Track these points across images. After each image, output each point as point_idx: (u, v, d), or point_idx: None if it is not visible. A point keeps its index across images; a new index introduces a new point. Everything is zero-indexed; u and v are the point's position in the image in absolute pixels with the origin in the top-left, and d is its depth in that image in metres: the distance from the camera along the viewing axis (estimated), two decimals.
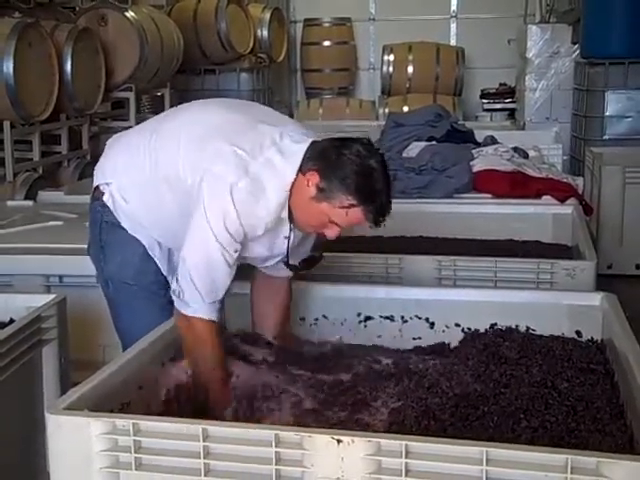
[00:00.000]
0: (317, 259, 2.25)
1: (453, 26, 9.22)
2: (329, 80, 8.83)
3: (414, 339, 2.37)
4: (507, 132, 6.17)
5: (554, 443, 1.66)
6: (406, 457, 1.42)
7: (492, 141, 4.46)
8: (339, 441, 1.44)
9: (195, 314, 1.98)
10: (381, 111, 8.13)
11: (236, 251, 2.00)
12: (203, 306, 1.98)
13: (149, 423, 1.51)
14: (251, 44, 7.80)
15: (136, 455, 1.49)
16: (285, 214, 2.04)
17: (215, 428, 1.48)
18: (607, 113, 6.49)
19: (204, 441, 1.47)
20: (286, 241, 2.11)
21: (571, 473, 1.38)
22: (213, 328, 2.00)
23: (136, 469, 1.49)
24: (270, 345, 2.24)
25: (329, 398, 1.97)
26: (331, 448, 1.44)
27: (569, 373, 2.01)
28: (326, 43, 8.84)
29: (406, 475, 1.42)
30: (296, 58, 9.16)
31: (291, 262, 2.15)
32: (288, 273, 2.22)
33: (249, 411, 1.89)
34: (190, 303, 1.98)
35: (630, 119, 6.47)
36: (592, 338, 2.24)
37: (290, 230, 2.09)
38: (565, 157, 6.35)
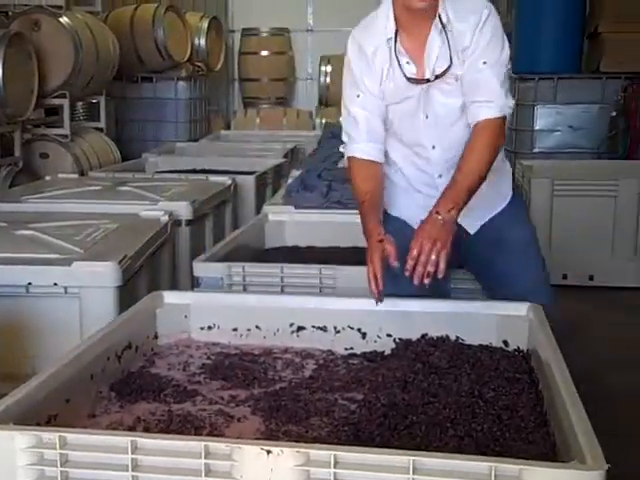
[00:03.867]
0: None
1: None
2: (266, 90, 8.87)
3: (346, 349, 2.39)
4: None
5: (480, 451, 1.70)
6: (335, 467, 1.44)
7: None
8: (269, 452, 1.44)
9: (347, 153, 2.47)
10: (318, 121, 8.18)
11: (358, 96, 2.36)
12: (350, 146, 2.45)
13: (76, 436, 1.49)
14: (188, 53, 7.78)
15: (62, 469, 1.47)
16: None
17: (144, 440, 1.48)
18: (537, 127, 6.67)
19: (132, 453, 1.46)
20: None
21: None
22: (356, 164, 2.42)
23: None
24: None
25: (256, 410, 1.97)
26: (261, 459, 1.44)
27: (496, 382, 2.05)
28: (264, 53, 8.87)
29: None
30: (234, 67, 9.17)
31: None
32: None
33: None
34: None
35: (559, 133, 6.67)
36: (518, 348, 2.29)
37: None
38: None
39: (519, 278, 2.49)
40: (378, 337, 2.40)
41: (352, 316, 2.41)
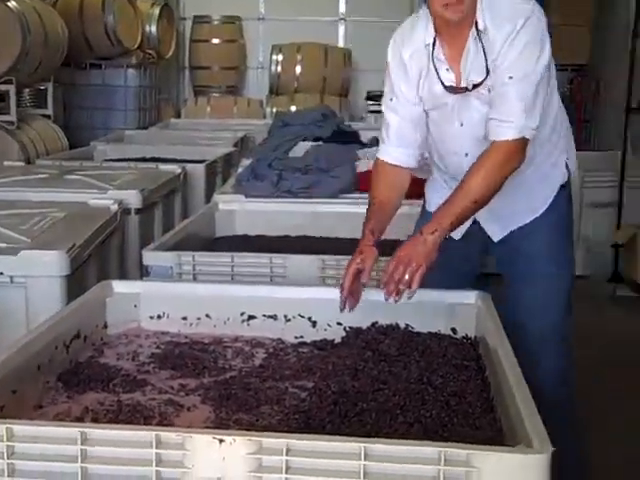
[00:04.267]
0: None
1: (341, 28, 9.34)
2: (218, 78, 8.80)
3: (296, 338, 2.40)
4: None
5: (428, 437, 1.72)
6: (287, 455, 1.44)
7: (377, 142, 4.54)
8: (221, 441, 1.44)
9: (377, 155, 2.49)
10: (268, 110, 8.16)
11: (391, 99, 2.34)
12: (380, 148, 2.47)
13: (23, 427, 1.47)
14: (139, 40, 7.68)
15: (9, 461, 1.45)
16: None
17: (93, 430, 1.46)
18: None
19: (82, 444, 1.45)
20: None
21: (444, 465, 1.43)
22: (379, 166, 2.44)
23: (9, 476, 1.46)
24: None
25: (206, 399, 1.96)
26: (213, 448, 1.44)
27: (444, 369, 2.08)
28: (215, 41, 8.80)
29: (286, 472, 1.44)
30: (184, 55, 9.07)
31: None
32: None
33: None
34: None
35: None
36: (466, 335, 2.32)
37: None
38: None
39: (529, 315, 2.41)
40: (328, 325, 2.41)
41: (303, 305, 2.41)
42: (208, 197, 4.93)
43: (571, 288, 2.41)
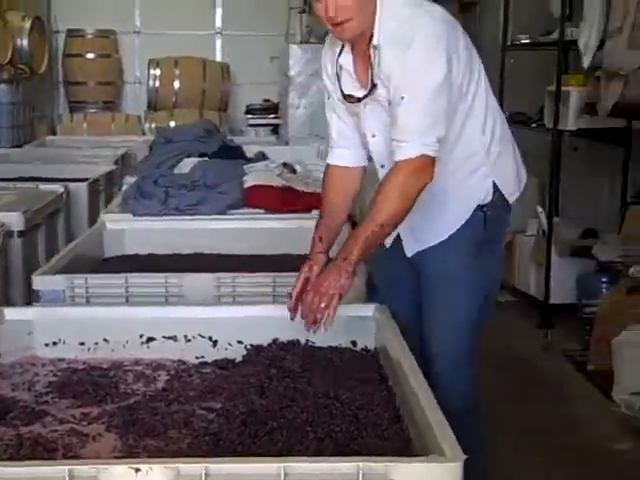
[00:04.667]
0: None
1: (218, 42, 9.31)
2: (94, 93, 8.58)
3: (197, 358, 2.38)
4: (272, 147, 6.33)
5: (339, 451, 1.74)
6: (206, 479, 1.43)
7: (263, 157, 4.57)
8: (137, 470, 1.41)
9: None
10: (147, 126, 8.03)
11: (328, 98, 2.33)
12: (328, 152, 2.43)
13: None
14: (10, 54, 7.39)
15: None
16: None
17: (4, 469, 1.41)
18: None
19: None
20: None
21: (362, 478, 1.45)
22: (327, 170, 2.42)
23: None
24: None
25: (111, 426, 1.92)
26: (129, 478, 1.41)
27: (349, 383, 2.11)
28: (90, 55, 8.59)
29: None
30: (58, 70, 8.81)
31: None
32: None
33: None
34: None
35: None
36: (366, 347, 2.36)
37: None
38: None
39: (430, 336, 2.36)
40: (229, 344, 2.40)
41: (202, 324, 2.40)
42: (91, 217, 4.81)
43: (479, 313, 2.32)
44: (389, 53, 2.11)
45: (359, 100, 2.23)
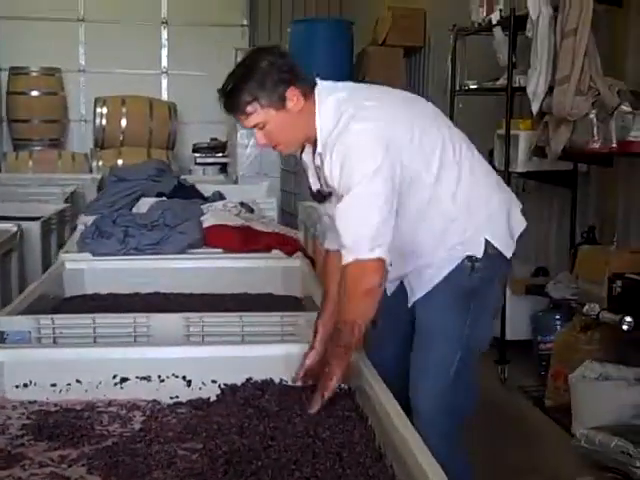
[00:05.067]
0: None
1: (164, 81, 9.34)
2: (39, 131, 8.50)
3: (171, 398, 2.36)
4: (222, 186, 6.33)
5: None
6: None
7: (220, 196, 4.59)
8: None
9: None
10: (95, 164, 7.97)
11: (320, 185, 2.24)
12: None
13: None
14: None
15: None
16: None
17: None
18: None
19: None
20: None
21: None
22: (325, 256, 2.36)
23: None
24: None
25: (92, 468, 1.89)
26: None
27: (328, 421, 2.12)
28: (34, 93, 8.51)
29: None
30: (2, 108, 8.69)
31: None
32: None
33: None
34: None
35: None
36: (341, 386, 2.38)
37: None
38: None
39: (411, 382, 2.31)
40: (203, 384, 2.39)
41: (175, 364, 2.39)
42: (44, 256, 4.75)
43: (458, 366, 2.25)
44: (326, 163, 2.09)
45: (324, 197, 2.24)
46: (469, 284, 2.19)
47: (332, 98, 2.10)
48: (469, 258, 2.18)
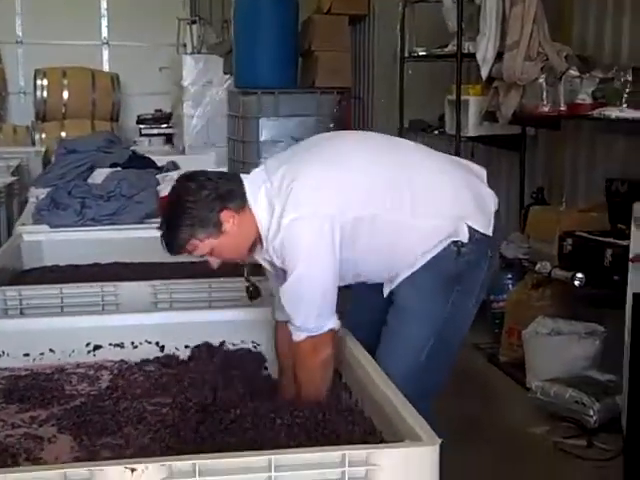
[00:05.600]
0: None
1: (105, 52, 9.19)
2: None
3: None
4: (169, 157, 6.30)
5: (311, 436, 1.82)
6: (199, 476, 1.47)
7: (174, 166, 4.58)
8: (133, 470, 1.44)
9: None
10: (37, 137, 7.83)
11: None
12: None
13: None
14: None
15: None
16: None
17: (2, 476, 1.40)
18: (262, 138, 6.90)
19: None
20: None
21: (348, 466, 1.52)
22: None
23: None
24: None
25: (62, 428, 1.94)
26: (125, 478, 1.44)
27: None
28: None
29: None
30: None
31: None
32: None
33: None
34: None
35: (282, 143, 6.96)
36: None
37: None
38: None
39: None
40: (176, 349, 2.43)
41: (148, 330, 2.42)
42: None
43: (430, 353, 2.22)
44: (272, 253, 2.10)
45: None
46: (454, 268, 2.17)
47: (262, 193, 2.08)
48: (454, 243, 2.15)
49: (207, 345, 2.42)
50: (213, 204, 2.06)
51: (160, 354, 2.41)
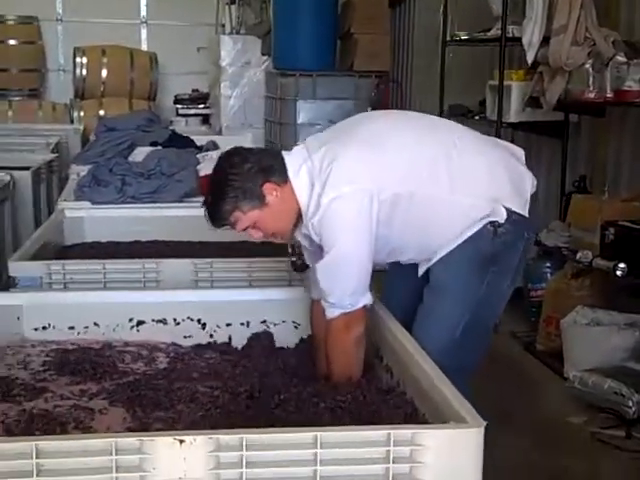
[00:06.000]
0: None
1: (144, 31, 9.21)
2: (17, 80, 8.36)
3: (185, 337, 2.41)
4: (206, 137, 6.32)
5: (355, 419, 1.82)
6: (246, 450, 1.48)
7: (214, 146, 4.59)
8: (181, 441, 1.45)
9: None
10: (76, 114, 7.89)
11: None
12: None
13: None
14: None
15: None
16: None
17: (47, 443, 1.42)
18: (299, 121, 6.90)
19: (37, 458, 1.40)
20: None
21: (393, 445, 1.52)
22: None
23: None
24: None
25: (114, 401, 1.95)
26: (174, 449, 1.45)
27: None
28: (12, 42, 8.36)
29: (246, 467, 1.48)
30: None
31: None
32: None
33: None
34: None
35: (319, 126, 6.96)
36: None
37: None
38: None
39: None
40: (217, 327, 2.44)
41: (191, 307, 2.43)
42: (36, 205, 4.73)
43: (464, 332, 2.23)
44: (311, 231, 2.12)
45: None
46: (491, 249, 2.17)
47: (303, 170, 2.10)
48: (491, 223, 2.15)
49: (264, 333, 2.43)
50: (256, 177, 2.09)
51: (204, 335, 2.42)
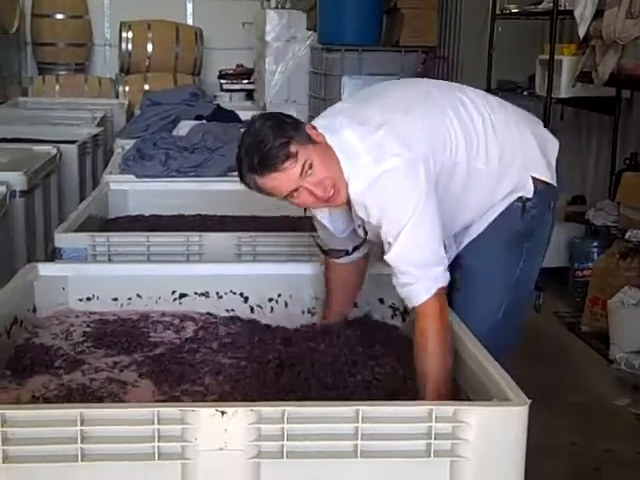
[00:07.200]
0: None
1: (189, 6, 9.21)
2: (64, 55, 8.44)
3: (227, 311, 2.41)
4: (250, 112, 6.31)
5: (391, 392, 1.82)
6: (287, 422, 1.48)
7: None
8: (223, 413, 1.45)
9: None
10: (121, 89, 7.94)
11: None
12: None
13: (17, 412, 1.42)
14: None
15: (4, 447, 1.40)
16: None
17: (91, 411, 1.44)
18: (344, 96, 6.85)
19: (81, 425, 1.42)
20: None
21: (435, 422, 1.51)
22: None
23: (4, 462, 1.40)
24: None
25: (142, 375, 1.97)
26: (215, 420, 1.45)
27: (381, 335, 2.19)
28: (59, 16, 8.43)
29: (287, 439, 1.48)
30: (26, 31, 8.61)
31: None
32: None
33: None
34: None
35: None
36: (393, 304, 2.41)
37: None
38: None
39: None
40: (260, 301, 2.44)
41: (234, 281, 2.43)
42: (81, 178, 4.78)
43: (505, 312, 2.20)
44: (360, 205, 1.99)
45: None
46: (522, 226, 2.14)
47: (345, 136, 1.97)
48: (519, 199, 2.12)
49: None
50: (293, 121, 1.96)
51: (246, 308, 2.42)
